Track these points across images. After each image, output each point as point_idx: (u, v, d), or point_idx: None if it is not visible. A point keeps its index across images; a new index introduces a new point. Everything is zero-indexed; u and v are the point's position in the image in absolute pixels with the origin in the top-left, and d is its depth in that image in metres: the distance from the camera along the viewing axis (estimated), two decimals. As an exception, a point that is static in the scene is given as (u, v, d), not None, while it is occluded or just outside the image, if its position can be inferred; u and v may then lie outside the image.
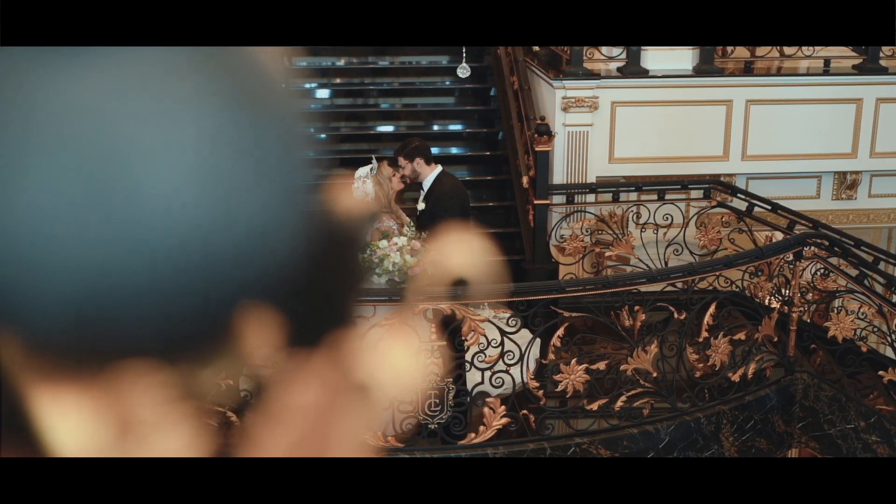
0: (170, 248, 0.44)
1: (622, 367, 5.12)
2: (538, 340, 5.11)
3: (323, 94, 8.71)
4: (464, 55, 7.86)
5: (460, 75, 7.76)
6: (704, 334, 5.28)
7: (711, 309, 5.29)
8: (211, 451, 0.50)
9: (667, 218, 6.72)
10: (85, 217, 0.43)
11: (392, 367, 0.57)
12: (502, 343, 4.93)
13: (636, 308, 5.12)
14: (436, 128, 8.36)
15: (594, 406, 5.09)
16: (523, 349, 4.90)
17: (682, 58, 7.27)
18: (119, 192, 0.43)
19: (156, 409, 0.48)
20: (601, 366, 5.10)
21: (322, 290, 0.53)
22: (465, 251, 0.63)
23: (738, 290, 6.11)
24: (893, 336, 5.42)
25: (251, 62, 0.48)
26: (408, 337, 0.61)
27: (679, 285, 5.56)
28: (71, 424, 0.47)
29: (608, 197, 6.94)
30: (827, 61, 7.77)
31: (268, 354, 0.50)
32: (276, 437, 0.53)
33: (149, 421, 0.48)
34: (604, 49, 7.33)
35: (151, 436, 0.48)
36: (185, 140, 0.44)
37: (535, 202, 6.66)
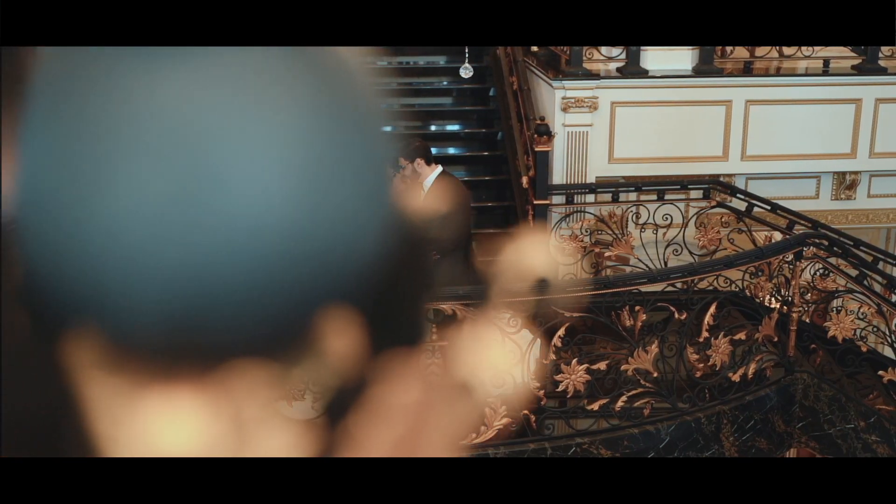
0: (258, 250, 0.44)
1: (623, 368, 5.12)
2: (538, 341, 5.11)
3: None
4: (466, 55, 7.85)
5: (463, 76, 7.75)
6: (705, 334, 5.29)
7: (712, 309, 5.29)
8: (315, 452, 0.50)
9: (666, 218, 6.71)
10: (176, 221, 0.43)
11: (491, 366, 0.57)
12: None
13: (636, 308, 5.12)
14: (433, 128, 8.36)
15: (595, 406, 5.09)
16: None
17: (681, 58, 7.27)
18: (209, 195, 0.44)
19: (262, 408, 0.48)
20: (602, 366, 5.10)
21: (400, 293, 0.54)
22: (543, 251, 0.63)
23: (738, 290, 6.11)
24: (893, 336, 5.42)
25: (339, 61, 0.49)
26: (497, 335, 0.61)
27: (679, 285, 5.56)
28: (180, 424, 0.47)
29: (608, 197, 6.94)
30: (826, 62, 7.77)
31: (350, 356, 0.50)
32: (378, 437, 0.53)
33: (255, 420, 0.48)
34: (603, 49, 7.32)
35: (258, 435, 0.48)
36: (275, 141, 0.44)
37: (535, 202, 6.66)
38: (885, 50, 7.50)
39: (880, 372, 5.48)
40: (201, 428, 0.47)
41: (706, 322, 5.28)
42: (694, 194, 7.01)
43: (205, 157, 0.44)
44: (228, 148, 0.44)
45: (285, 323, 0.46)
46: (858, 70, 7.47)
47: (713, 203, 6.85)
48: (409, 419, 0.54)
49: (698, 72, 7.26)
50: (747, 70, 7.75)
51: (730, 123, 7.29)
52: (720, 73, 7.35)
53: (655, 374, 5.16)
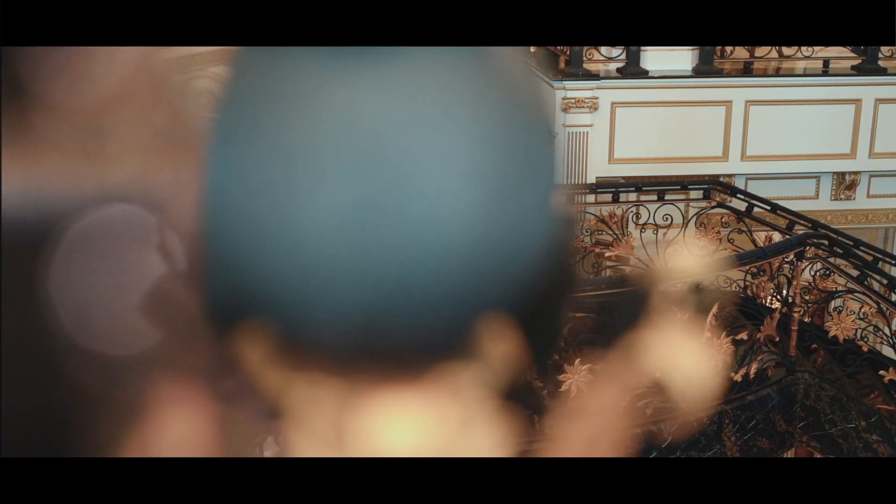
0: (440, 255, 0.45)
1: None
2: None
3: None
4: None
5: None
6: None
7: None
8: (516, 451, 0.51)
9: (666, 218, 6.71)
10: (361, 227, 0.44)
11: (686, 365, 0.59)
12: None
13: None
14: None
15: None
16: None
17: (681, 58, 7.27)
18: (394, 202, 0.44)
19: (471, 407, 0.49)
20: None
21: (554, 295, 0.55)
22: (698, 255, 0.65)
23: (739, 290, 6.10)
24: (894, 338, 5.42)
25: (515, 63, 0.49)
26: (692, 335, 0.63)
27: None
28: (400, 424, 0.48)
29: (608, 197, 6.94)
30: (826, 62, 7.77)
31: (515, 358, 0.50)
32: (575, 437, 0.54)
33: (465, 420, 0.49)
34: (603, 50, 7.33)
35: (468, 434, 0.49)
36: (459, 147, 0.45)
37: (535, 203, 6.64)
38: (885, 50, 7.50)
39: (881, 372, 5.48)
40: (426, 427, 0.48)
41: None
42: (694, 194, 7.01)
43: (390, 163, 0.44)
44: (414, 154, 0.45)
45: (460, 326, 0.47)
46: (858, 70, 7.47)
47: (713, 203, 6.85)
48: (603, 420, 0.56)
49: (698, 72, 7.26)
50: (747, 70, 7.75)
51: (730, 124, 7.29)
52: (720, 73, 7.35)
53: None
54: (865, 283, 5.56)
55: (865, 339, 5.80)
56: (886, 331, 5.55)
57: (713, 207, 6.84)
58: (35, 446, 0.51)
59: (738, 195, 6.79)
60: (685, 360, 0.59)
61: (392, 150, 0.44)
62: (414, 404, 0.48)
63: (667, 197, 6.90)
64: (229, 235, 0.46)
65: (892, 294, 5.66)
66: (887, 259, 6.37)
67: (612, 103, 7.17)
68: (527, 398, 0.53)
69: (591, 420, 0.56)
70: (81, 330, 0.48)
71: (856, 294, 5.69)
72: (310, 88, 0.45)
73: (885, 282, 5.61)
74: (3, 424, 0.50)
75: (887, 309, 5.50)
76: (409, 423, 0.48)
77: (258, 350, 0.47)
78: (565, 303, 0.54)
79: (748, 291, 6.07)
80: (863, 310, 5.70)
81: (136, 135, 0.52)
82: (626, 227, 6.81)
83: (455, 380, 0.48)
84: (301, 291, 0.45)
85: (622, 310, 0.60)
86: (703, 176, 7.16)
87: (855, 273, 5.65)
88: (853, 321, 5.67)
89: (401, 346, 0.46)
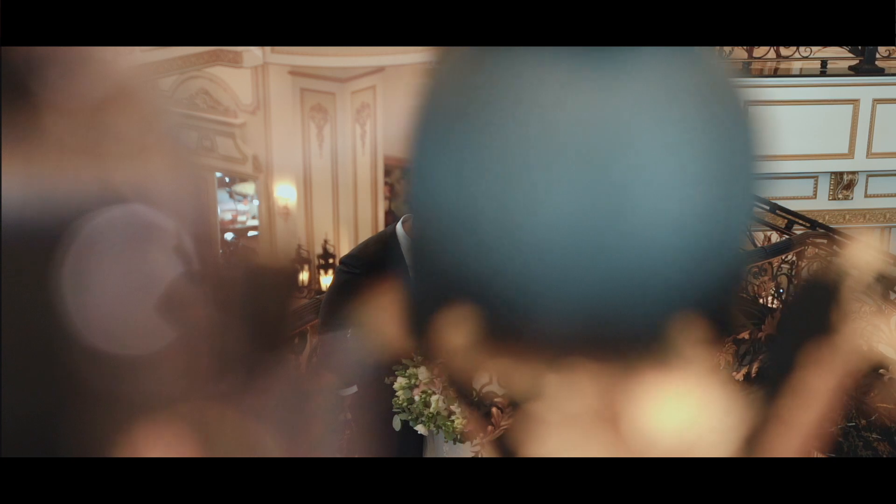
0: (659, 256, 0.47)
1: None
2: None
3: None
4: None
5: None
6: None
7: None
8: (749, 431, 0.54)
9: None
10: (589, 230, 0.46)
11: None
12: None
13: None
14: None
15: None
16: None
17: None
18: (618, 206, 0.46)
19: (713, 393, 0.51)
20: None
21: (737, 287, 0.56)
22: (874, 247, 0.67)
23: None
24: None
25: (722, 65, 0.50)
26: None
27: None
28: (667, 408, 0.50)
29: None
30: (824, 62, 7.78)
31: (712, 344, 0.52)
32: (805, 418, 0.56)
33: (711, 404, 0.51)
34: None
35: (716, 419, 0.51)
36: (680, 152, 0.46)
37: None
38: (882, 50, 7.51)
39: (881, 370, 5.49)
40: (689, 411, 0.50)
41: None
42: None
43: (615, 165, 0.45)
44: (636, 157, 0.45)
45: (669, 319, 0.49)
46: (856, 71, 7.48)
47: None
48: (827, 402, 0.58)
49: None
50: (745, 70, 7.76)
51: (728, 124, 7.31)
52: (718, 73, 7.35)
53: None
54: (864, 282, 5.57)
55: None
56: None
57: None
58: (35, 446, 0.51)
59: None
60: None
61: (617, 151, 0.45)
62: (672, 389, 0.50)
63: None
64: (461, 234, 0.47)
65: (892, 293, 5.66)
66: (886, 259, 6.37)
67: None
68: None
69: (820, 401, 0.58)
70: (89, 329, 0.48)
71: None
72: (539, 90, 0.46)
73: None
74: (2, 424, 0.50)
75: (887, 308, 5.51)
76: (676, 407, 0.50)
77: (466, 336, 0.49)
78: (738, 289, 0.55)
79: (749, 291, 6.07)
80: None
81: (131, 135, 0.52)
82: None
83: (697, 366, 0.50)
84: (531, 285, 0.47)
85: (809, 303, 0.62)
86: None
87: (853, 273, 5.66)
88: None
89: (619, 337, 0.48)
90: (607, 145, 0.45)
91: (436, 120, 0.49)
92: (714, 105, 0.48)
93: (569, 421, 0.50)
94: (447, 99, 0.49)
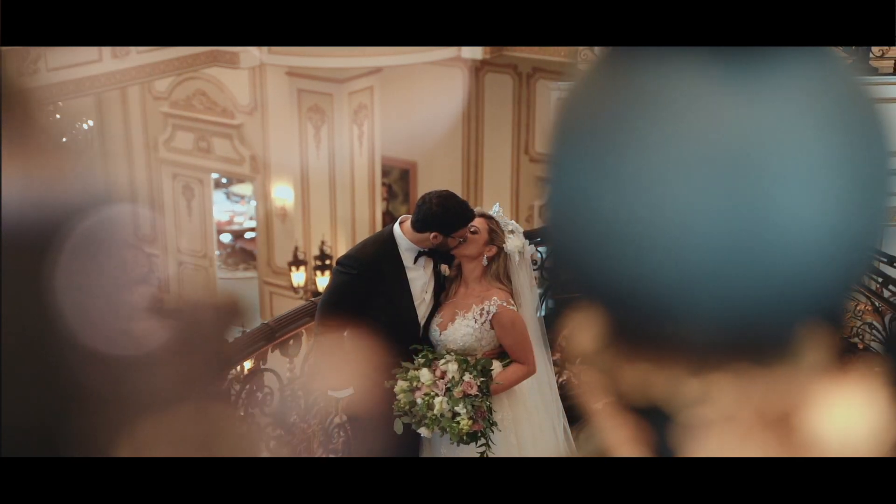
0: (797, 264, 0.47)
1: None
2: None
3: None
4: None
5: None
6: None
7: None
8: None
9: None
10: (734, 228, 0.46)
11: None
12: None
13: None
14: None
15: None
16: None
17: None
18: (762, 204, 0.46)
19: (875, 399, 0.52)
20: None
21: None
22: None
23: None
24: (887, 333, 5.43)
25: (855, 66, 0.51)
26: None
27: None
28: (851, 416, 0.51)
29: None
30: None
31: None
32: None
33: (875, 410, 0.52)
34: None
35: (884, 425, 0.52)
36: (822, 161, 0.47)
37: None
38: (876, 50, 7.51)
39: (876, 369, 5.49)
40: (872, 420, 0.51)
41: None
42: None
43: (755, 173, 0.46)
44: (778, 162, 0.46)
45: (802, 324, 0.49)
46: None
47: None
48: None
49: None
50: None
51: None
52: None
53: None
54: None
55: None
56: (879, 326, 5.57)
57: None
58: (35, 446, 0.51)
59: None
60: None
61: (758, 156, 0.45)
62: (835, 391, 0.50)
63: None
64: (601, 240, 0.47)
65: (885, 291, 5.67)
66: (881, 258, 6.38)
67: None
68: None
69: None
70: (84, 329, 0.48)
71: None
72: (680, 93, 0.46)
73: (879, 280, 5.62)
74: (2, 424, 0.50)
75: (882, 307, 5.52)
76: (841, 408, 0.50)
77: (603, 342, 0.49)
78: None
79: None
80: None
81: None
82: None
83: (865, 374, 0.51)
84: (674, 291, 0.47)
85: None
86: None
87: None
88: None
89: (760, 341, 0.48)
90: (749, 150, 0.46)
91: (577, 127, 0.49)
92: (848, 104, 0.49)
93: (728, 423, 0.50)
94: (589, 105, 0.49)
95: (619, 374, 0.50)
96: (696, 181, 0.46)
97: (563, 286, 0.50)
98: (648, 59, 0.48)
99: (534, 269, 3.79)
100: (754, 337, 0.48)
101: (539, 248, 4.06)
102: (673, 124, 0.46)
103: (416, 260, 3.52)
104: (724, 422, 0.50)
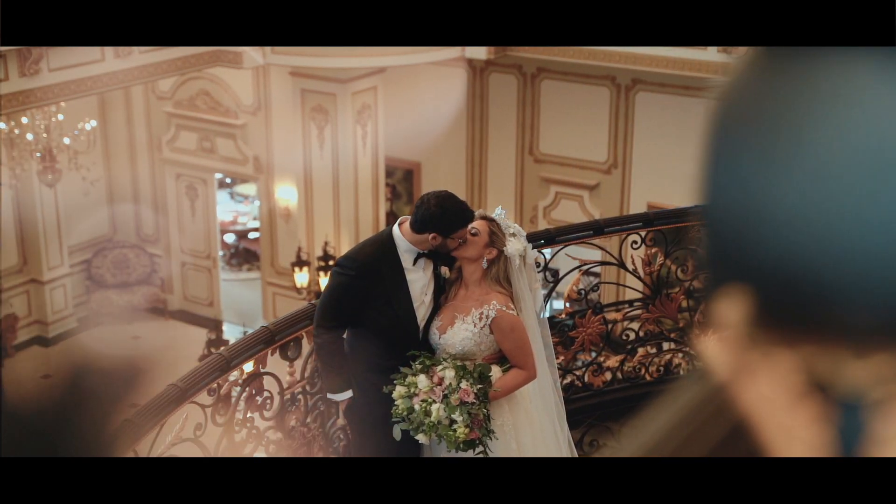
0: None
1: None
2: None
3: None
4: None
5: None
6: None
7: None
8: None
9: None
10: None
11: None
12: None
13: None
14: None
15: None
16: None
17: (679, 59, 7.28)
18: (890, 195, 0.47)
19: None
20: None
21: None
22: None
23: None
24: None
25: None
26: None
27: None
28: None
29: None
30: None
31: None
32: None
33: None
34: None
35: None
36: None
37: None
38: None
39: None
40: None
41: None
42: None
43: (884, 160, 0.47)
44: None
45: None
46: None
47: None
48: None
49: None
50: None
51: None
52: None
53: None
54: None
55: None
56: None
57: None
58: (35, 446, 0.51)
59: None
60: None
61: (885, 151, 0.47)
62: None
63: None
64: (770, 232, 0.49)
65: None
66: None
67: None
68: None
69: None
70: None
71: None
72: (845, 90, 0.48)
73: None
74: (2, 424, 0.50)
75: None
76: None
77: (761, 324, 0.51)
78: None
79: None
80: None
81: None
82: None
83: None
84: (840, 278, 0.48)
85: None
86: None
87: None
88: None
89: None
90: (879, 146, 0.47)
91: (742, 120, 0.51)
92: None
93: None
94: (758, 100, 0.50)
95: (781, 356, 0.51)
96: (865, 175, 0.47)
97: (720, 276, 0.51)
98: (820, 57, 0.49)
99: (537, 272, 3.74)
100: None
101: (542, 251, 4.02)
102: (844, 120, 0.47)
103: (415, 261, 3.49)
104: None
